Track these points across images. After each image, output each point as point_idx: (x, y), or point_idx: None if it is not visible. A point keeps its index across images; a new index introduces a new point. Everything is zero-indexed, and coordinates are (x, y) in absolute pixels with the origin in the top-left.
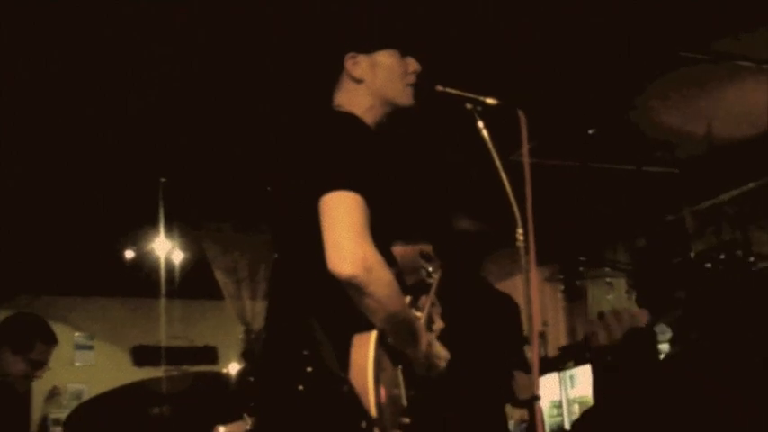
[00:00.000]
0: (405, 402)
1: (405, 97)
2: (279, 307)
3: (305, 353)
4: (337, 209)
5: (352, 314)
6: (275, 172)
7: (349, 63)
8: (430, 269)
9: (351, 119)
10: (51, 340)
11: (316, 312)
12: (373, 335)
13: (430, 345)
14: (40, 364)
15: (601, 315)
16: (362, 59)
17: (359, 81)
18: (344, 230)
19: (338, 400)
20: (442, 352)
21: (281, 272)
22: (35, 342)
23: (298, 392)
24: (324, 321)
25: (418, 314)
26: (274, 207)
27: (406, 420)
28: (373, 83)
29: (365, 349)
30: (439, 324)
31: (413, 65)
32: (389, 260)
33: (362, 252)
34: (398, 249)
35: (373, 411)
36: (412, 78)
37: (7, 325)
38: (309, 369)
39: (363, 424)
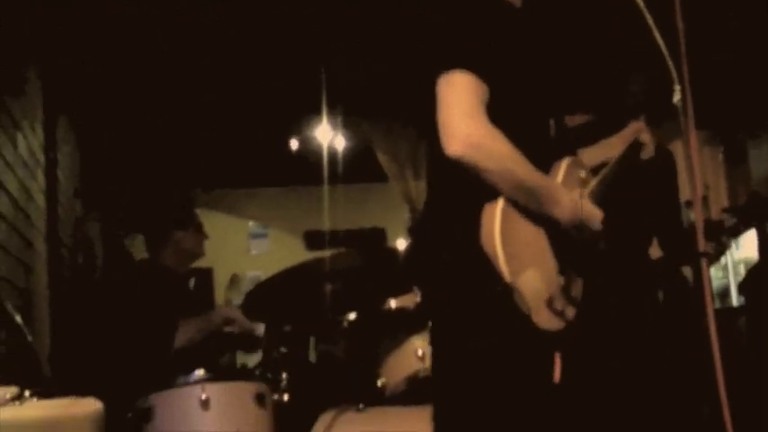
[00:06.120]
0: (553, 263)
1: None
2: (430, 186)
3: (448, 224)
4: (447, 90)
5: (483, 186)
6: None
7: None
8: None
9: None
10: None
11: (454, 188)
12: (500, 202)
13: (575, 203)
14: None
15: None
16: None
17: None
18: (452, 111)
19: (474, 266)
20: (593, 211)
21: (427, 154)
22: (192, 212)
23: (444, 260)
24: (461, 195)
25: (582, 173)
26: (414, 92)
27: (561, 280)
28: None
29: (492, 216)
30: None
31: None
32: (523, 136)
33: (468, 130)
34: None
35: (507, 276)
36: None
37: (163, 212)
38: (457, 238)
39: (499, 288)
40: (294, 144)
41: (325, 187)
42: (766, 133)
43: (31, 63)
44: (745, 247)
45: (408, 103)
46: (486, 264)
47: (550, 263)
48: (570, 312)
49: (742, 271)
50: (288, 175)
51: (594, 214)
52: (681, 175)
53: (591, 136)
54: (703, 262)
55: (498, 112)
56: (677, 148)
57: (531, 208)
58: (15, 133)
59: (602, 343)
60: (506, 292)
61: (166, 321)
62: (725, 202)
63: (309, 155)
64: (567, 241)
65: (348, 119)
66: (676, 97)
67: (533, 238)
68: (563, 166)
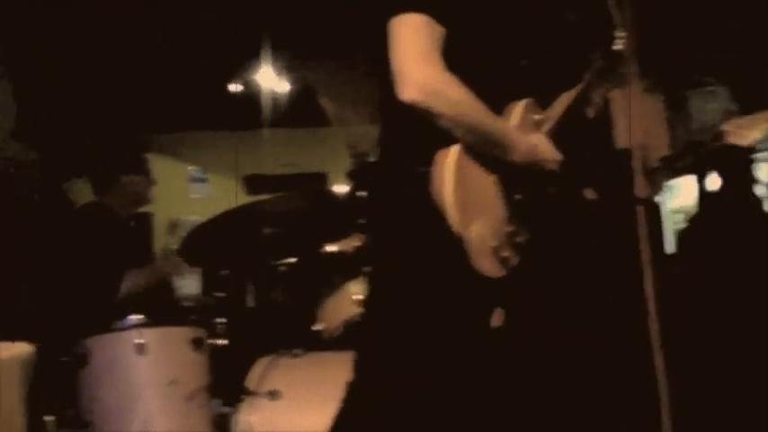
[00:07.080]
0: (504, 212)
1: None
2: (382, 128)
3: (398, 169)
4: (401, 33)
5: (437, 131)
6: None
7: None
8: None
9: None
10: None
11: (407, 131)
12: (452, 151)
13: (534, 147)
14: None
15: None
16: None
17: None
18: (406, 55)
19: (423, 216)
20: (550, 153)
21: (380, 96)
22: (143, 157)
23: (393, 208)
24: (413, 138)
25: (537, 116)
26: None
27: (510, 228)
28: None
29: (443, 166)
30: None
31: None
32: (479, 80)
33: (423, 75)
34: None
35: (457, 227)
36: None
37: (111, 156)
38: (408, 186)
39: (450, 238)
40: (236, 87)
41: (270, 131)
42: (706, 81)
43: None
44: (683, 196)
45: (357, 46)
46: (436, 214)
47: (500, 211)
48: (515, 259)
49: (681, 220)
50: (229, 118)
51: (550, 157)
52: (621, 123)
53: (544, 78)
54: (640, 207)
55: (453, 56)
56: (616, 95)
57: (486, 153)
58: None
59: (541, 288)
60: (456, 243)
61: (110, 264)
62: (664, 150)
63: (251, 98)
64: (518, 188)
65: (291, 62)
66: (619, 44)
67: (485, 185)
68: (519, 108)
